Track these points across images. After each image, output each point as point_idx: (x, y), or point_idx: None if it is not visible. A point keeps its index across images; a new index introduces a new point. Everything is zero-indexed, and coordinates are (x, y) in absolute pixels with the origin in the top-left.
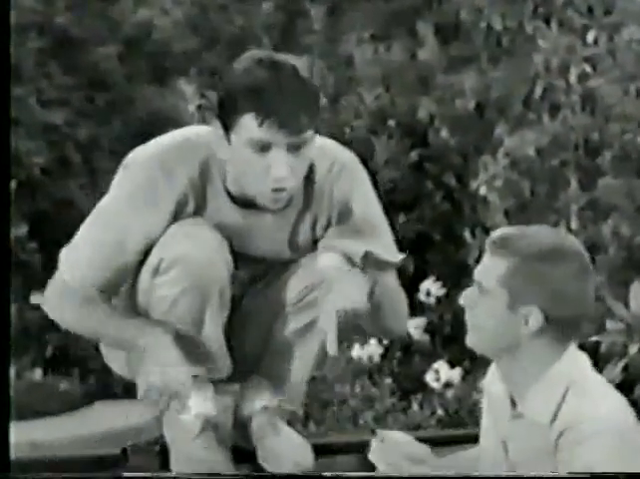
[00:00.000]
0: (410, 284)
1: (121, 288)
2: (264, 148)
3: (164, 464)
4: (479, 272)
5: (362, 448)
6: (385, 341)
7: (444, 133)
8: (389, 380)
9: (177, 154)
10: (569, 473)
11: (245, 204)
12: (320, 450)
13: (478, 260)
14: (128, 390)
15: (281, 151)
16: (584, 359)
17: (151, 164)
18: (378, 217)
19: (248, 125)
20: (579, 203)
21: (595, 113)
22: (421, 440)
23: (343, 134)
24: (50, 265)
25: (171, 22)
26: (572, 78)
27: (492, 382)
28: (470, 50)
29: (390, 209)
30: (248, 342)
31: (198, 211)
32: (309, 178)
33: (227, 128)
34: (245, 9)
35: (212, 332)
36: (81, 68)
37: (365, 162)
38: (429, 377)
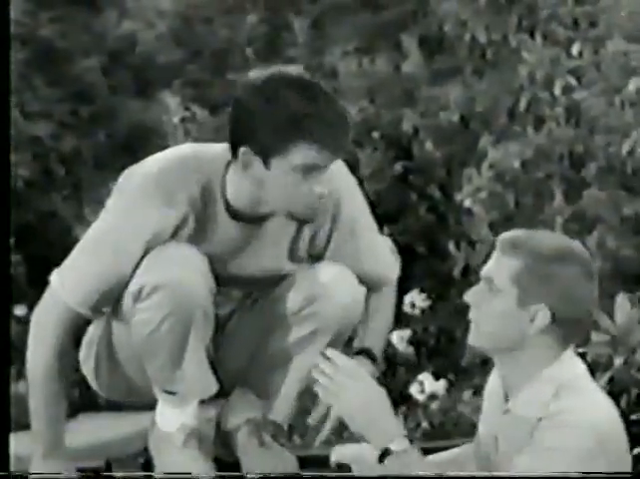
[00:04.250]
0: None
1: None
2: (313, 170)
3: (148, 477)
4: (489, 271)
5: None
6: None
7: (428, 145)
8: None
9: (177, 175)
10: (562, 473)
11: (246, 219)
12: (304, 463)
13: (463, 273)
14: (111, 403)
15: (326, 170)
16: (580, 364)
17: (148, 188)
18: (367, 219)
19: (301, 152)
20: (564, 214)
21: (580, 125)
22: None
23: None
24: (34, 277)
25: (155, 35)
26: (557, 90)
27: (491, 384)
28: (454, 62)
29: (374, 220)
30: (235, 358)
31: (198, 230)
32: None
33: (267, 154)
34: (230, 22)
35: (195, 356)
36: (64, 80)
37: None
38: (413, 389)
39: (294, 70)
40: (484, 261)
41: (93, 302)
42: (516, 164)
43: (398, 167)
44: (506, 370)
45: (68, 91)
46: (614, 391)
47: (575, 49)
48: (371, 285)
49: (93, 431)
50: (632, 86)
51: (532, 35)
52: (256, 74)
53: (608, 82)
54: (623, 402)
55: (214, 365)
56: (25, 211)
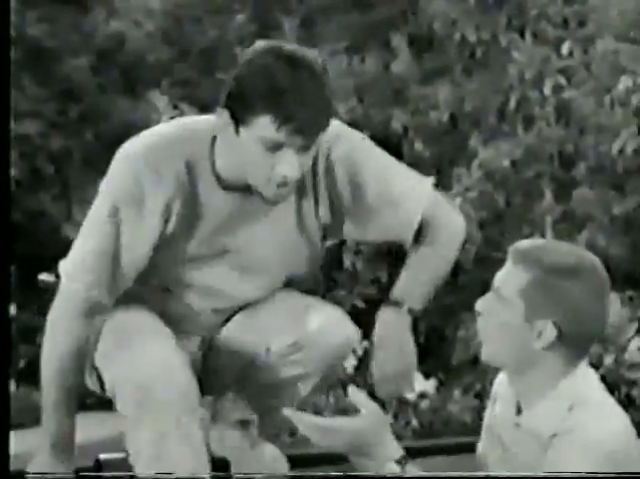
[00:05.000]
0: (384, 294)
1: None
2: (276, 148)
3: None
4: (499, 280)
5: (336, 460)
6: (359, 353)
7: (418, 144)
8: (363, 392)
9: (163, 152)
10: (572, 472)
11: (238, 189)
12: (295, 462)
13: (452, 273)
14: (101, 402)
15: (291, 151)
16: (594, 378)
17: (137, 163)
18: (392, 173)
19: (263, 125)
20: (554, 214)
21: (570, 124)
22: None
23: None
24: (23, 276)
25: (144, 34)
26: (547, 89)
27: (501, 384)
28: (443, 62)
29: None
30: (223, 374)
31: (190, 207)
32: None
33: (238, 120)
34: (219, 21)
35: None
36: (53, 79)
37: None
38: None
39: (295, 47)
40: (475, 261)
41: (106, 284)
42: (506, 163)
43: None
44: (519, 386)
45: (56, 90)
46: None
47: (565, 48)
48: (414, 233)
49: (83, 430)
50: (622, 85)
51: (522, 34)
52: (260, 44)
53: (598, 81)
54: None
55: (202, 376)
56: (14, 210)
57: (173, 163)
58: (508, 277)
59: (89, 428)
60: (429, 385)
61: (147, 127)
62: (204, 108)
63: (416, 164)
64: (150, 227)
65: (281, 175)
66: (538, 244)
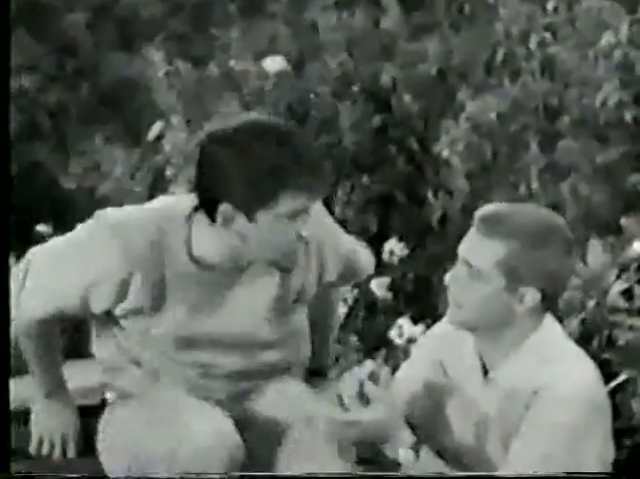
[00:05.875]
0: (373, 244)
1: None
2: (300, 214)
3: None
4: (468, 253)
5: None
6: (349, 301)
7: (406, 98)
8: (354, 338)
9: (130, 232)
10: (566, 473)
11: (221, 270)
12: None
13: (440, 221)
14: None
15: (305, 212)
16: (559, 329)
17: (102, 235)
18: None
19: (286, 200)
20: (539, 164)
21: (554, 78)
22: None
23: (308, 99)
24: (20, 227)
25: None
26: (532, 45)
27: (451, 349)
28: (432, 18)
29: (354, 171)
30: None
31: (155, 287)
32: None
33: (250, 208)
34: None
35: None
36: (50, 34)
37: (330, 126)
38: (393, 333)
39: (260, 118)
40: (462, 210)
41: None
42: (493, 116)
43: (377, 119)
44: (487, 345)
45: (53, 45)
46: (587, 332)
47: (550, 5)
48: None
49: (80, 377)
50: (605, 41)
51: None
52: (221, 124)
53: (582, 37)
54: (595, 342)
55: None
56: (12, 162)
57: (139, 242)
58: (481, 251)
59: (85, 374)
60: (417, 330)
61: (142, 81)
62: (198, 62)
63: (404, 116)
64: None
65: (303, 237)
66: (502, 212)
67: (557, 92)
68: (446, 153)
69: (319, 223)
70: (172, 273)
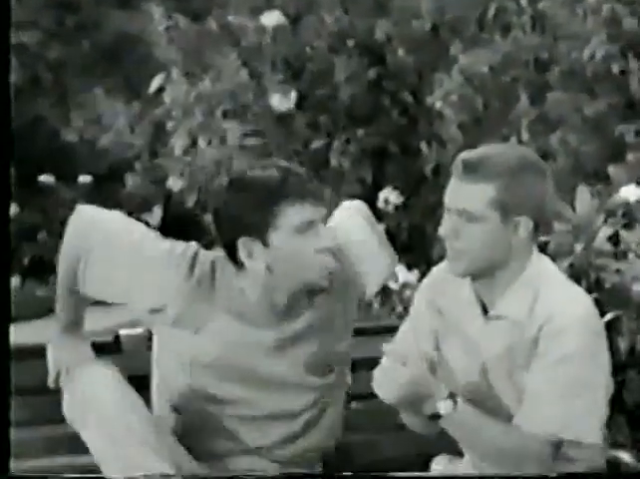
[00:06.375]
0: (369, 194)
1: None
2: (310, 226)
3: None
4: (458, 201)
5: None
6: None
7: (401, 52)
8: None
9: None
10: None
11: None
12: None
13: (434, 171)
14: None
15: (321, 224)
16: (548, 260)
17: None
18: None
19: (288, 214)
20: (529, 116)
21: (545, 33)
22: (384, 329)
23: (305, 53)
24: (23, 178)
25: None
26: (523, 0)
27: (449, 294)
28: None
29: (350, 123)
30: None
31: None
32: None
33: (261, 232)
34: None
35: None
36: None
37: (325, 80)
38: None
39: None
40: (454, 161)
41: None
42: (485, 69)
43: (372, 72)
44: (484, 286)
45: (54, 0)
46: (575, 275)
47: None
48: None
49: (98, 318)
50: None
51: None
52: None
53: None
54: (583, 285)
55: None
56: (14, 116)
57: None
58: (471, 196)
59: (87, 320)
60: (411, 276)
61: (142, 36)
62: (197, 17)
63: (399, 70)
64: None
65: (327, 248)
66: (480, 156)
67: (547, 46)
68: (439, 105)
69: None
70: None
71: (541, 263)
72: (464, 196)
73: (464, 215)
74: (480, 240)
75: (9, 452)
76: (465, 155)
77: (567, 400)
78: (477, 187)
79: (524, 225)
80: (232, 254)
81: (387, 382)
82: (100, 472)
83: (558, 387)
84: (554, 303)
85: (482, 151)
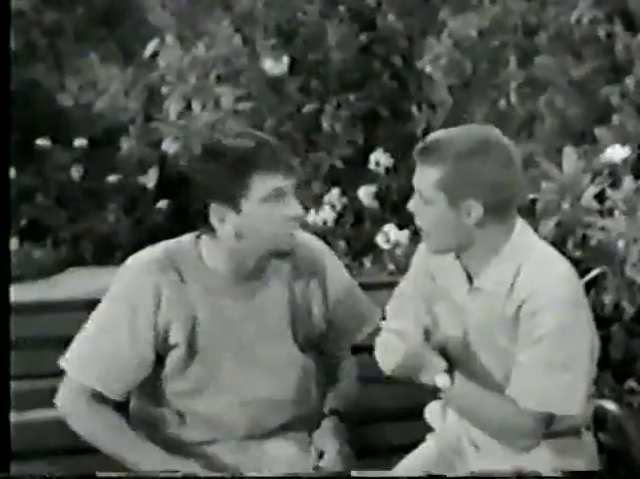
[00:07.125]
0: (360, 156)
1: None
2: (280, 195)
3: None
4: (417, 183)
5: None
6: (338, 207)
7: (391, 17)
8: (342, 243)
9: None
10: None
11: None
12: None
13: (424, 133)
14: (97, 257)
15: (291, 194)
16: (532, 234)
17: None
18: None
19: (259, 183)
20: (518, 79)
21: None
22: (374, 285)
23: (296, 19)
24: (20, 141)
25: None
26: None
27: (439, 260)
28: None
29: (341, 87)
30: None
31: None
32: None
33: (232, 199)
34: None
35: None
36: None
37: (317, 44)
38: (379, 239)
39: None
40: (445, 123)
41: (109, 381)
42: (474, 33)
43: (362, 37)
44: (467, 259)
45: None
46: (562, 233)
47: None
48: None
49: (81, 284)
50: None
51: None
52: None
53: None
54: (570, 242)
55: None
56: (11, 80)
57: (160, 287)
58: (422, 178)
59: (86, 281)
60: (402, 235)
61: (137, 2)
62: None
63: (389, 34)
64: (144, 328)
65: (296, 215)
66: (438, 139)
67: (535, 10)
68: (429, 69)
69: (328, 261)
70: (198, 300)
71: (523, 237)
72: (418, 177)
73: (421, 196)
74: (434, 222)
75: (9, 452)
76: (428, 137)
77: (550, 376)
78: (426, 169)
79: (474, 209)
80: (204, 219)
81: (385, 356)
82: (99, 471)
83: (541, 364)
84: (534, 282)
85: (440, 134)
